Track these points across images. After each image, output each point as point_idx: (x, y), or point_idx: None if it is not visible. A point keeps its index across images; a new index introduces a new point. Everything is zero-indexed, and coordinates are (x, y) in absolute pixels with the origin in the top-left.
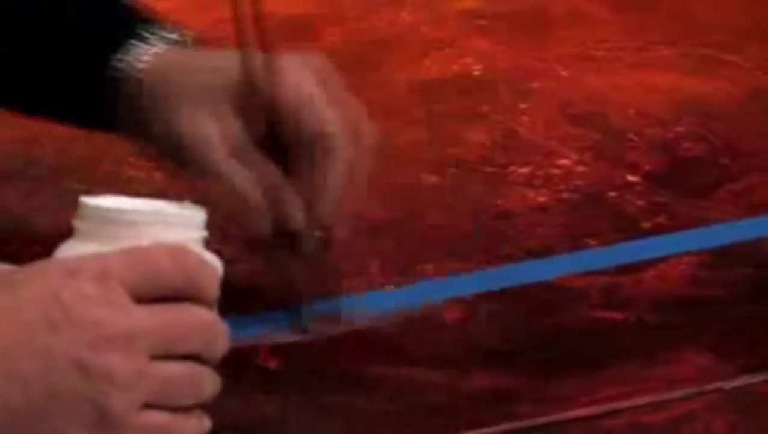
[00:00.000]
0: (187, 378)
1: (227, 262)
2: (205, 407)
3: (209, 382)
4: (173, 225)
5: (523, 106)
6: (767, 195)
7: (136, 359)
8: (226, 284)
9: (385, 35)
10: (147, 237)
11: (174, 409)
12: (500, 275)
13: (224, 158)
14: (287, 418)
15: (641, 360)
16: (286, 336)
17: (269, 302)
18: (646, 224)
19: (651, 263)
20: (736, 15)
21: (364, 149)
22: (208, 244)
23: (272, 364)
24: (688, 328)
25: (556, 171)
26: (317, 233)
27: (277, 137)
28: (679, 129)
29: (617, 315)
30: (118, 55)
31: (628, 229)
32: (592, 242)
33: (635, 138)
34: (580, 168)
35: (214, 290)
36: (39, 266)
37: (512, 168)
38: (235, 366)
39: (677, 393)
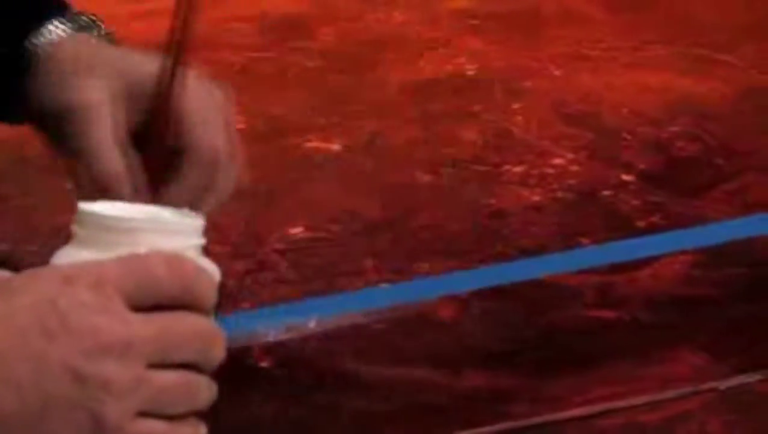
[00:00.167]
0: (182, 386)
1: None
2: (202, 414)
3: (205, 390)
4: (171, 233)
5: (516, 105)
6: (761, 194)
7: (132, 367)
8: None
9: (379, 35)
10: (145, 245)
11: (169, 417)
12: (494, 273)
13: (107, 135)
14: (280, 417)
15: (636, 360)
16: (279, 335)
17: None
18: (640, 223)
19: (645, 262)
20: (731, 15)
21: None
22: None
23: (265, 363)
24: (683, 327)
25: (550, 170)
26: None
27: (159, 141)
28: (673, 129)
29: (611, 314)
30: (33, 35)
31: (623, 228)
32: (585, 241)
33: (629, 137)
34: (574, 167)
35: (211, 297)
36: (36, 272)
37: (506, 167)
38: (228, 366)
39: (672, 393)
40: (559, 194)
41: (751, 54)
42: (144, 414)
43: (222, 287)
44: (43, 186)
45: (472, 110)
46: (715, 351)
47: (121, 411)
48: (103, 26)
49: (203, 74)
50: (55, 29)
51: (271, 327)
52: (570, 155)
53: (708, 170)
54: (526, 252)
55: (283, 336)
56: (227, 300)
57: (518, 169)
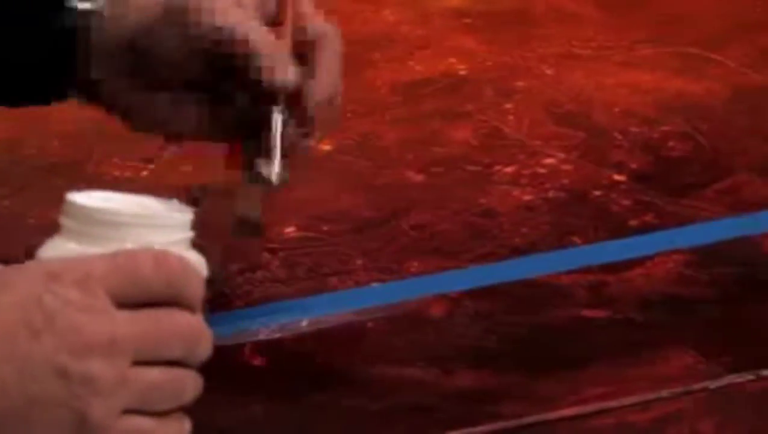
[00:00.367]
0: (168, 383)
1: None
2: (186, 408)
3: (191, 386)
4: (159, 227)
5: (508, 105)
6: (753, 194)
7: (117, 365)
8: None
9: (370, 34)
10: (132, 239)
11: (155, 413)
12: (486, 272)
13: (248, 14)
14: (271, 417)
15: (627, 359)
16: (270, 334)
17: None
18: (632, 223)
19: (637, 261)
20: (723, 15)
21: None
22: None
23: (257, 362)
24: (675, 327)
25: (541, 170)
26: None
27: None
28: (665, 128)
29: (603, 314)
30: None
31: (615, 228)
32: (577, 240)
33: (621, 137)
34: (566, 167)
35: (198, 294)
36: (21, 268)
37: (497, 167)
38: (219, 364)
39: (663, 393)
40: (551, 194)
41: (744, 54)
42: (130, 411)
43: (210, 282)
44: (35, 187)
45: (463, 110)
46: (708, 351)
47: (106, 409)
48: None
49: None
50: None
51: (263, 325)
52: (562, 155)
53: (700, 169)
54: (517, 252)
55: (275, 335)
56: (218, 296)
57: (510, 168)
